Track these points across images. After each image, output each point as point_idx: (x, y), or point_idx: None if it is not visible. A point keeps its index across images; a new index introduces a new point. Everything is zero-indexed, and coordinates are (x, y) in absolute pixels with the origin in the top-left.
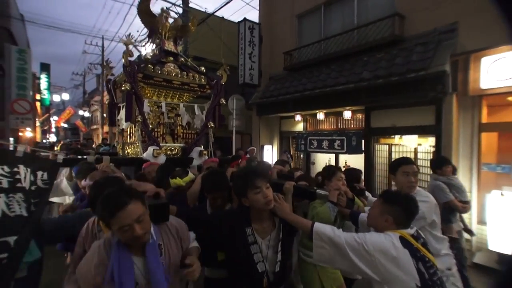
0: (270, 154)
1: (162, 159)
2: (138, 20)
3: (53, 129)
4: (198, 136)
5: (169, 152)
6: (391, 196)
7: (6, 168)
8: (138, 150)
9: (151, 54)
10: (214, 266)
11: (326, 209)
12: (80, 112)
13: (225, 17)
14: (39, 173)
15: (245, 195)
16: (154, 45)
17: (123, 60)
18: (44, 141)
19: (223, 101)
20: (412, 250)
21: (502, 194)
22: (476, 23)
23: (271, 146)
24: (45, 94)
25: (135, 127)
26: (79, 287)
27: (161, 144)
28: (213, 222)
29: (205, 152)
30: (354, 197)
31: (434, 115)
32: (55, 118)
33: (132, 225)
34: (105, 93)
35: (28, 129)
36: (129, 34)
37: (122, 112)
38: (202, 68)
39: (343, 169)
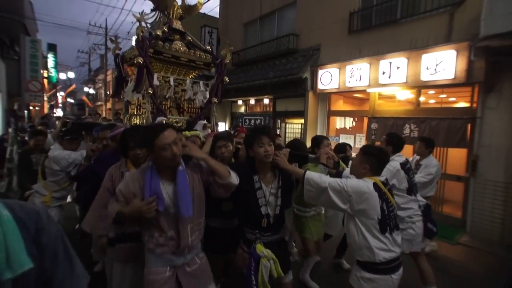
0: (224, 129)
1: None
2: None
3: (60, 104)
4: (202, 110)
5: (175, 124)
6: (369, 149)
7: None
8: (146, 121)
9: (160, 32)
10: (219, 216)
11: (319, 169)
12: (86, 89)
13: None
14: None
15: (252, 147)
16: (161, 23)
17: (134, 36)
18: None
19: (226, 79)
20: (380, 194)
21: None
22: (326, 46)
23: (224, 123)
24: (52, 72)
25: (143, 99)
26: (121, 201)
27: (168, 116)
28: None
29: (209, 125)
30: (339, 160)
31: (303, 104)
32: (62, 93)
33: (171, 145)
34: (109, 71)
35: (38, 103)
36: (142, 11)
37: (130, 85)
38: (208, 47)
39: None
